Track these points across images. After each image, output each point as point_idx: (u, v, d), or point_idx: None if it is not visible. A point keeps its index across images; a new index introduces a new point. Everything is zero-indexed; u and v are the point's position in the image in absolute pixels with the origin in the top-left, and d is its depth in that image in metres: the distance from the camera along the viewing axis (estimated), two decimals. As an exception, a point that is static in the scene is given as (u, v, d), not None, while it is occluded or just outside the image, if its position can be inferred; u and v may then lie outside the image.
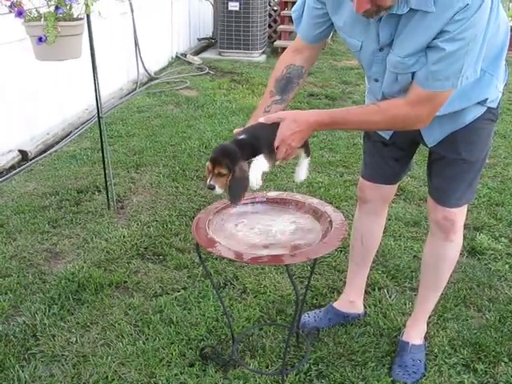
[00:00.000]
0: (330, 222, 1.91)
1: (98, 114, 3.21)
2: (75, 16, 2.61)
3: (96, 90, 3.10)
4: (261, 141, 1.77)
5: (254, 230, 1.93)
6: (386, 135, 2.15)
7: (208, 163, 1.75)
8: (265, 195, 2.13)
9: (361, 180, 2.37)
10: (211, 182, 1.74)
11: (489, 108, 1.95)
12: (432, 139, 2.03)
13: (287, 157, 1.81)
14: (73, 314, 2.57)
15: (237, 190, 1.76)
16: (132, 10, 5.98)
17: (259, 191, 1.95)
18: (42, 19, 2.44)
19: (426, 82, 1.69)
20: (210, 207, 2.05)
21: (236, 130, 1.85)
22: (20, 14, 2.45)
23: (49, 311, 2.57)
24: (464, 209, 2.14)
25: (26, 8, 2.51)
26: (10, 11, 2.53)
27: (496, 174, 4.23)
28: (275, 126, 1.77)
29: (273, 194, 2.14)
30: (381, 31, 1.72)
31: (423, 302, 2.36)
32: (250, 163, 1.76)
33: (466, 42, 1.59)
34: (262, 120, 1.80)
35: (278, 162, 1.85)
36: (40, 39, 2.42)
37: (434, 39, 1.62)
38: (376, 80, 1.90)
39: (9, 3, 2.52)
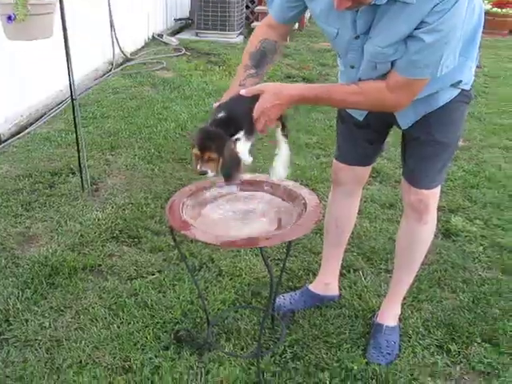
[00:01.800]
0: (305, 204, 1.90)
1: (72, 96, 3.16)
2: (47, -6, 2.55)
3: (69, 71, 3.05)
4: (240, 115, 1.75)
5: (229, 212, 1.92)
6: (360, 116, 2.14)
7: (195, 150, 1.72)
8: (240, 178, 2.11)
9: (334, 162, 2.36)
10: (202, 168, 1.71)
11: (462, 90, 1.95)
12: (406, 122, 2.03)
13: (265, 129, 1.80)
14: (46, 298, 2.54)
15: (230, 169, 1.75)
16: (107, -10, 5.88)
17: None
18: (12, -3, 2.39)
19: (406, 70, 1.70)
20: (184, 189, 2.04)
21: (214, 105, 1.82)
22: (-11, -9, 2.39)
23: (22, 296, 2.53)
24: (437, 190, 2.15)
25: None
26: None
27: (471, 156, 4.26)
28: (254, 98, 1.75)
29: (248, 176, 2.13)
30: (358, 19, 1.71)
31: (397, 284, 2.37)
32: (236, 140, 1.74)
33: (446, 32, 1.59)
34: (242, 92, 1.78)
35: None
36: (9, 18, 2.36)
37: (414, 29, 1.61)
38: (352, 67, 1.89)
39: (-23, -20, 2.45)
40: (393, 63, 1.73)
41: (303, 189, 2.03)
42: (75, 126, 3.33)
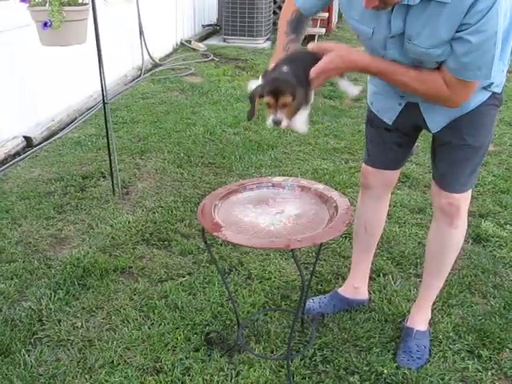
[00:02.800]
0: (336, 207, 1.91)
1: (103, 100, 3.21)
2: (80, 1, 2.60)
3: (101, 76, 3.09)
4: (299, 72, 1.75)
5: (260, 215, 1.93)
6: (389, 120, 2.13)
7: (267, 99, 1.70)
8: (270, 180, 2.13)
9: (363, 166, 2.36)
10: (278, 116, 1.69)
11: (493, 93, 1.94)
12: (435, 125, 2.02)
13: (320, 87, 1.85)
14: (78, 299, 2.58)
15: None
16: (137, -4, 5.97)
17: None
18: (47, 4, 2.43)
19: (458, 72, 1.69)
20: (216, 192, 2.05)
21: (275, 62, 1.83)
22: (25, -2, 2.45)
23: (54, 296, 2.58)
24: (468, 194, 2.13)
25: (31, -7, 2.50)
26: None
27: (501, 161, 4.22)
28: (313, 55, 1.78)
29: (278, 179, 2.14)
30: (393, 19, 1.71)
31: (427, 288, 2.36)
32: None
33: (491, 32, 1.58)
34: (310, 46, 1.83)
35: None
36: (45, 24, 2.41)
37: (457, 32, 1.61)
38: (394, 61, 1.85)
39: (13, -12, 2.51)
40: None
41: (333, 191, 2.03)
42: (106, 130, 3.38)
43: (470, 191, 2.13)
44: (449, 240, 2.21)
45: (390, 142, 2.22)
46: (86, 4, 2.61)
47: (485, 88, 1.91)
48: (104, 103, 3.20)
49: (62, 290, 2.62)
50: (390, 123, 2.14)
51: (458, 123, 1.98)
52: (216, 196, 2.01)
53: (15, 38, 4.03)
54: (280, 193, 2.07)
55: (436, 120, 2.00)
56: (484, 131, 2.01)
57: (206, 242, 2.01)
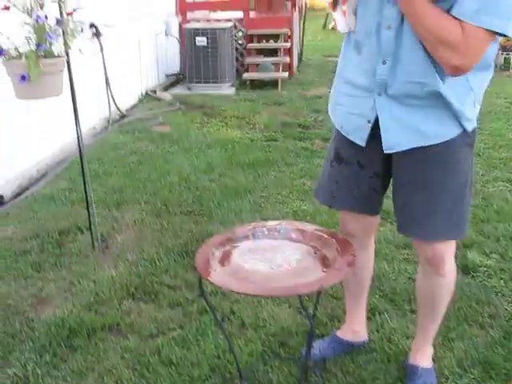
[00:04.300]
0: (337, 248, 1.87)
1: (80, 153, 3.14)
2: (56, 54, 2.56)
3: (77, 128, 3.04)
4: None
5: (259, 261, 1.87)
6: (362, 141, 1.96)
7: None
8: (264, 225, 2.08)
9: (341, 213, 2.27)
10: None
11: (464, 130, 1.86)
12: (391, 143, 1.90)
13: None
14: (66, 361, 2.45)
15: None
16: (102, 49, 5.94)
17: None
18: (23, 57, 2.38)
19: (475, 15, 1.57)
20: (210, 240, 1.99)
21: None
22: (0, 52, 2.39)
23: (40, 360, 2.45)
24: (452, 243, 2.06)
25: (5, 47, 2.45)
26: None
27: (477, 191, 4.26)
28: None
29: (273, 222, 2.09)
30: None
31: (424, 329, 2.30)
32: None
33: None
34: None
35: None
36: (23, 78, 2.35)
37: None
38: (389, 27, 1.76)
39: (-14, 44, 2.46)
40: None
41: (331, 232, 1.99)
42: (84, 183, 3.30)
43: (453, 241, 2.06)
44: (438, 288, 2.15)
45: (363, 181, 2.09)
46: (61, 56, 2.57)
47: (455, 118, 1.83)
48: (81, 156, 3.13)
49: (48, 353, 2.49)
50: (364, 144, 1.96)
51: (422, 157, 1.89)
52: (212, 244, 1.95)
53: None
54: (276, 237, 2.02)
55: (393, 137, 1.88)
56: (456, 171, 1.91)
57: (202, 292, 1.94)
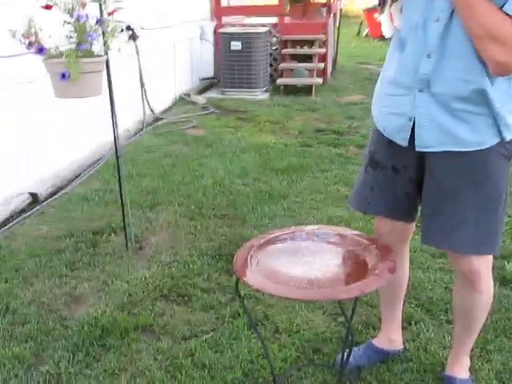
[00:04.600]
0: (377, 254, 1.83)
1: (116, 154, 3.15)
2: (95, 53, 2.57)
3: (114, 128, 3.05)
4: None
5: (297, 265, 1.84)
6: (404, 141, 1.90)
7: None
8: (303, 229, 2.05)
9: (376, 219, 2.21)
10: None
11: (502, 139, 1.80)
12: (423, 142, 1.85)
13: None
14: (99, 360, 2.45)
15: None
16: (137, 52, 5.99)
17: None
18: (64, 56, 2.40)
19: None
20: (249, 243, 1.97)
21: None
22: (41, 50, 2.41)
23: (73, 359, 2.45)
24: (489, 258, 1.99)
25: (46, 46, 2.47)
26: (29, 50, 2.48)
27: (515, 202, 4.16)
28: None
29: (311, 227, 2.07)
30: None
31: (461, 341, 2.23)
32: None
33: None
34: None
35: None
36: (63, 76, 2.36)
37: None
38: (437, 19, 1.72)
39: (27, 41, 2.48)
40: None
41: (371, 238, 1.96)
42: (119, 184, 3.31)
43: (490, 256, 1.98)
44: (475, 304, 2.08)
45: (398, 186, 2.04)
46: (101, 56, 2.58)
47: (494, 125, 1.78)
48: (117, 156, 3.14)
49: (80, 351, 2.49)
50: (406, 143, 1.90)
51: (454, 163, 1.85)
52: (249, 247, 1.93)
53: (22, 92, 4.00)
54: (315, 241, 1.99)
55: (427, 136, 1.84)
56: (489, 182, 1.85)
57: (239, 294, 1.92)
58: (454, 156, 1.83)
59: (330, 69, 9.56)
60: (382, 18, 1.89)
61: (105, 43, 2.67)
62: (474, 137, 1.79)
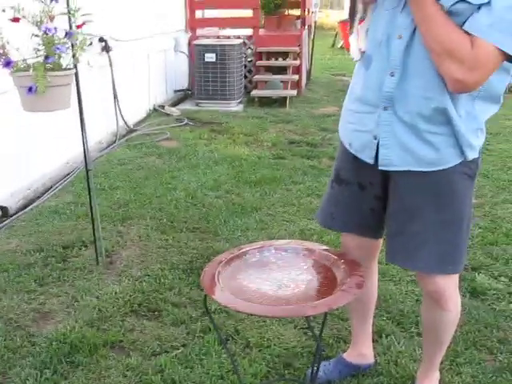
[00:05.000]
0: (345, 269, 1.83)
1: (86, 167, 3.12)
2: (64, 66, 2.54)
3: (84, 142, 3.02)
4: None
5: (266, 281, 1.84)
6: (370, 159, 1.89)
7: None
8: (272, 244, 2.05)
9: (342, 236, 2.21)
10: None
11: (465, 160, 1.80)
12: (386, 159, 1.84)
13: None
14: (67, 378, 2.41)
15: None
16: (111, 64, 5.96)
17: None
18: (31, 69, 2.37)
19: (487, 29, 1.54)
20: (217, 258, 1.96)
21: None
22: (8, 64, 2.37)
23: (41, 377, 2.41)
24: (455, 277, 1.99)
25: (14, 59, 2.44)
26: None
27: (485, 213, 4.21)
28: None
29: (280, 242, 2.06)
30: None
31: (430, 356, 2.23)
32: None
33: None
34: None
35: None
36: (30, 89, 2.33)
37: None
38: (400, 37, 1.72)
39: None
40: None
41: (339, 253, 1.96)
42: (90, 198, 3.27)
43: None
44: (442, 321, 2.08)
45: (363, 203, 2.03)
46: (70, 69, 2.55)
47: (457, 145, 1.78)
48: (87, 170, 3.11)
49: (48, 369, 2.45)
50: (372, 161, 1.88)
51: (417, 182, 1.84)
52: (217, 263, 1.92)
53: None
54: (283, 257, 1.99)
55: (390, 155, 1.83)
56: (453, 202, 1.85)
57: (207, 310, 1.91)
58: (417, 175, 1.83)
59: (304, 80, 9.61)
60: (351, 40, 1.90)
61: (74, 56, 2.64)
62: (437, 157, 1.79)
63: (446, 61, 1.62)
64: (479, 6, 1.56)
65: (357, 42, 1.86)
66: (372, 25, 1.83)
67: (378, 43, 1.79)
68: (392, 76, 1.75)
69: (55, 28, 2.49)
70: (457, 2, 1.57)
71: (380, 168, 1.87)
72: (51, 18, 2.51)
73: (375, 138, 1.85)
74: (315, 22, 11.03)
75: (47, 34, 2.46)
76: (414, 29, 1.69)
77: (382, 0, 1.78)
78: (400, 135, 1.79)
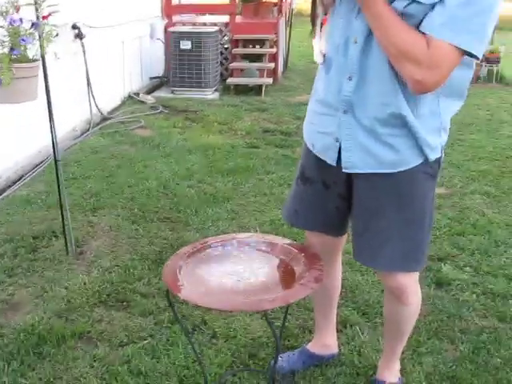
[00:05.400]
0: (305, 262, 1.86)
1: (55, 158, 3.11)
2: (30, 57, 2.54)
3: (52, 134, 3.01)
4: None
5: (226, 274, 1.87)
6: (332, 161, 1.90)
7: None
8: (234, 237, 2.08)
9: (306, 233, 2.22)
10: None
11: (426, 159, 1.82)
12: (349, 162, 1.86)
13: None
14: (34, 369, 2.42)
15: None
16: (84, 51, 5.91)
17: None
18: (-4, 62, 2.36)
19: (438, 28, 1.56)
20: (180, 252, 1.98)
21: None
22: (-28, 56, 2.37)
23: (8, 368, 2.42)
24: (415, 274, 2.03)
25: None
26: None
27: (454, 203, 4.28)
28: None
29: (242, 235, 2.09)
30: None
31: (391, 347, 2.28)
32: None
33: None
34: None
35: None
36: (-5, 81, 2.34)
37: None
38: (355, 42, 1.73)
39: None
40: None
41: (301, 246, 1.99)
42: (59, 189, 3.27)
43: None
44: (403, 315, 2.13)
45: (328, 201, 2.05)
46: (36, 60, 2.54)
47: (416, 146, 1.80)
48: (56, 161, 3.10)
49: (16, 360, 2.46)
50: (334, 163, 1.90)
51: (379, 183, 1.86)
52: (180, 256, 1.94)
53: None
54: (245, 250, 2.02)
55: (352, 158, 1.85)
56: (414, 201, 1.88)
57: (170, 304, 1.93)
58: (379, 177, 1.85)
59: (280, 68, 9.62)
60: (314, 43, 1.92)
61: (41, 47, 2.63)
62: (398, 158, 1.81)
63: (403, 63, 1.63)
64: (433, 6, 1.58)
65: (319, 46, 1.88)
66: (331, 28, 1.85)
67: (336, 47, 1.81)
68: (350, 80, 1.77)
69: (20, 19, 2.48)
70: (409, 4, 1.59)
71: (344, 171, 1.90)
72: (17, 9, 2.50)
73: (337, 141, 1.87)
74: (292, 10, 11.00)
75: (12, 25, 2.45)
76: (370, 33, 1.70)
77: (338, 3, 1.80)
78: (361, 138, 1.81)
